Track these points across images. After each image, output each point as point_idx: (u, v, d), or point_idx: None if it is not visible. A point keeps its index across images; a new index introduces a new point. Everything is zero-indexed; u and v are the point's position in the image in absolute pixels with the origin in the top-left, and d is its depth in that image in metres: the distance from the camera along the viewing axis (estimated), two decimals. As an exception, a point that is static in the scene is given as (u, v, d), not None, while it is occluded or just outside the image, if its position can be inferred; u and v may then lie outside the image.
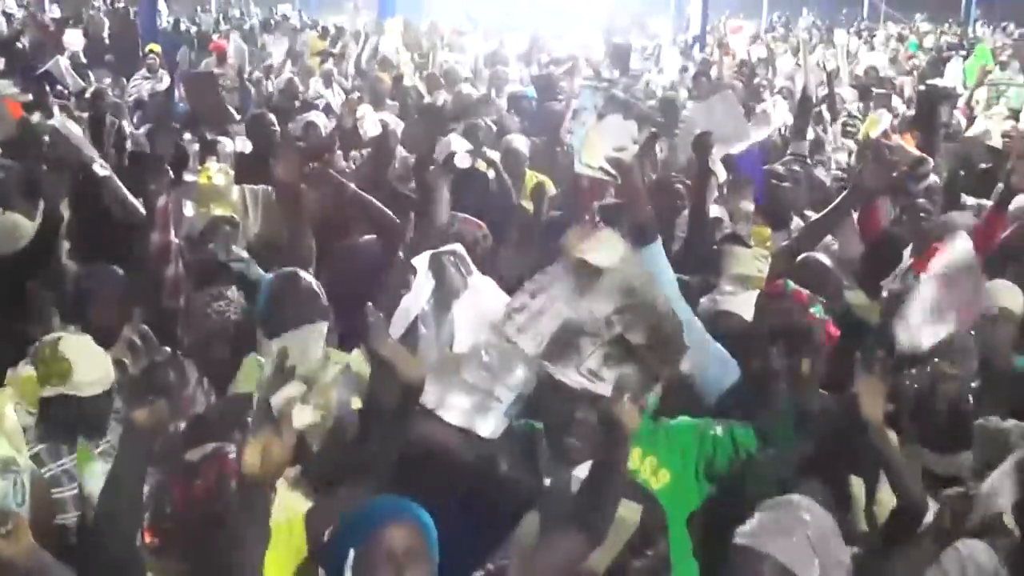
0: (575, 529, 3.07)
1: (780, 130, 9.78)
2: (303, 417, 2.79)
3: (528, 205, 7.39)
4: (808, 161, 8.52)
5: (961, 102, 12.47)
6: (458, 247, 3.77)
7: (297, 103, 11.55)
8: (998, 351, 4.91)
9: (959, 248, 4.31)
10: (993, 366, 4.84)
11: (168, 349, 3.46)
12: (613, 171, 5.24)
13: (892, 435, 3.67)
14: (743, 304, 4.71)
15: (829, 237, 5.87)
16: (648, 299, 3.30)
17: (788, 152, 8.69)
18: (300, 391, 2.68)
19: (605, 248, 3.34)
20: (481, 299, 3.60)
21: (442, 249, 3.75)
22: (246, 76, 13.07)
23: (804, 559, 3.08)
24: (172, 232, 5.42)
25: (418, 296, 3.61)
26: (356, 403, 3.45)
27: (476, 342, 3.48)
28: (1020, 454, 3.60)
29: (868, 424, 3.53)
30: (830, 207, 5.66)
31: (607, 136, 5.65)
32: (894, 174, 6.98)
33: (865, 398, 3.53)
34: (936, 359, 4.22)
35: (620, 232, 5.08)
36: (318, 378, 3.24)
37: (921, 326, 4.05)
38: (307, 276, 4.47)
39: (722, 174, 6.53)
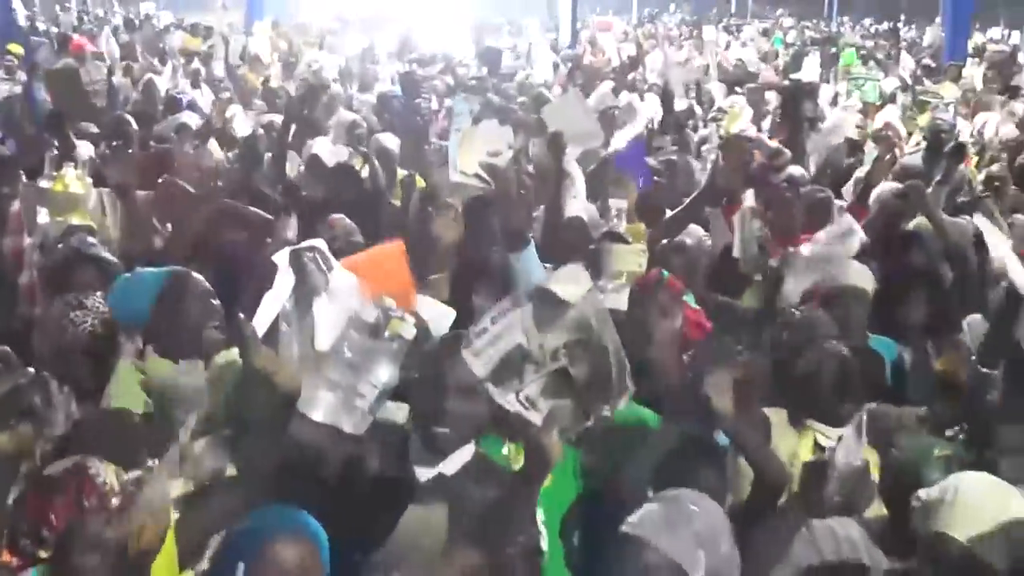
0: (479, 546, 3.08)
1: (652, 123, 9.91)
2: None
3: (399, 202, 7.35)
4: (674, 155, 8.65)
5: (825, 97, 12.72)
6: (319, 243, 3.71)
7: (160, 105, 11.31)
8: (852, 330, 5.00)
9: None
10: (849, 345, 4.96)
11: (31, 369, 3.31)
12: (488, 177, 5.24)
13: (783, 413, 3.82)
14: (625, 301, 4.74)
15: (705, 236, 5.95)
16: (601, 337, 3.34)
17: (654, 146, 8.82)
18: None
19: (573, 282, 3.38)
20: (342, 295, 3.55)
21: (302, 245, 3.69)
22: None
23: (690, 553, 3.11)
24: (25, 237, 5.25)
25: (279, 294, 3.55)
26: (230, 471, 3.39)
27: (338, 339, 3.44)
28: (858, 417, 3.68)
29: (718, 415, 3.61)
30: (688, 200, 5.76)
31: (482, 141, 5.65)
32: (752, 167, 7.12)
33: (714, 390, 3.59)
34: (821, 337, 4.35)
35: (490, 234, 5.13)
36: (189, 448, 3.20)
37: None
38: (198, 276, 4.38)
39: (578, 175, 6.53)
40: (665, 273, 4.46)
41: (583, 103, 7.27)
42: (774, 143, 8.29)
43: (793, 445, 4.13)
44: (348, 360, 3.39)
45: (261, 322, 3.45)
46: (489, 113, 5.94)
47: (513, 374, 3.28)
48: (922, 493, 3.30)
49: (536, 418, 3.23)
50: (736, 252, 5.53)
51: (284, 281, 3.56)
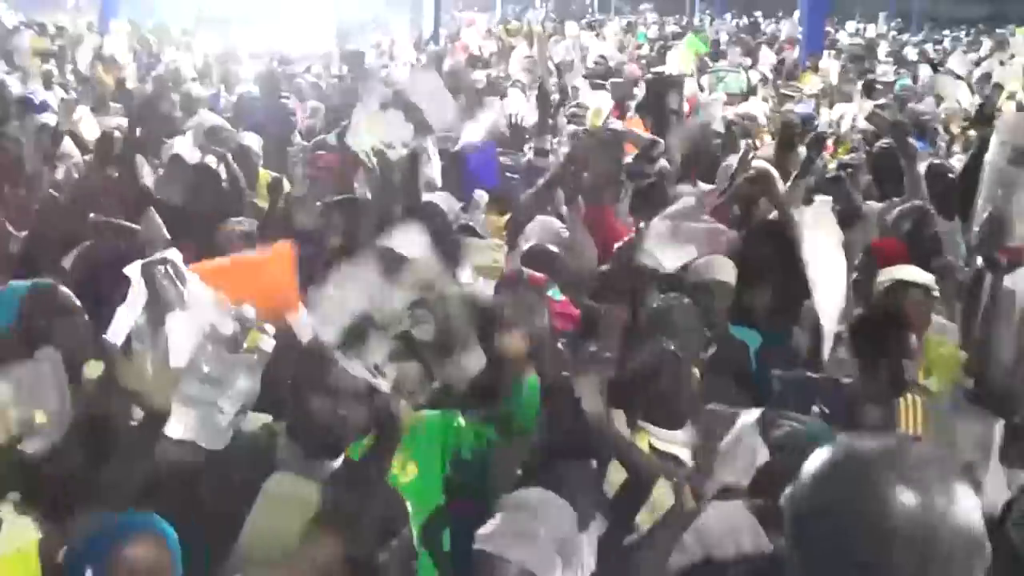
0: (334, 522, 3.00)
1: (513, 119, 9.92)
2: None
3: (262, 203, 7.26)
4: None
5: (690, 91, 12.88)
6: (171, 253, 3.59)
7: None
8: (715, 321, 5.05)
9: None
10: (712, 336, 5.06)
11: None
12: (376, 163, 5.22)
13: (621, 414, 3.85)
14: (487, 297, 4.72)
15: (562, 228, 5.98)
16: (443, 295, 3.36)
17: (530, 146, 8.82)
18: None
19: (411, 239, 3.40)
20: (198, 308, 3.45)
21: (153, 258, 3.57)
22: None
23: (547, 561, 3.12)
24: None
25: (131, 309, 3.45)
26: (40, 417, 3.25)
27: (195, 354, 3.34)
28: (746, 419, 3.71)
29: (589, 417, 3.61)
30: (540, 183, 5.80)
31: (382, 128, 5.62)
32: (617, 161, 7.18)
33: (583, 392, 3.59)
34: (658, 337, 4.35)
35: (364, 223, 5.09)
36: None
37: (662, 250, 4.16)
38: (65, 290, 4.17)
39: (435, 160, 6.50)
40: (525, 271, 4.45)
41: (440, 84, 7.22)
42: (647, 135, 8.36)
43: None
44: (206, 375, 3.31)
45: (114, 339, 3.36)
46: (398, 105, 5.88)
47: (360, 341, 3.26)
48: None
49: (384, 385, 3.21)
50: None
51: (136, 296, 3.46)
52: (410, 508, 3.56)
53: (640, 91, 11.94)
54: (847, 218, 6.29)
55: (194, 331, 3.38)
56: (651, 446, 4.12)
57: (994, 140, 5.57)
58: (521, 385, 3.96)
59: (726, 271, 5.35)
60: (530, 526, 3.17)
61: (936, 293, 5.04)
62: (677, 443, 4.12)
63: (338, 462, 3.42)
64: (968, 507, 1.79)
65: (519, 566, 3.10)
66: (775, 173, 6.32)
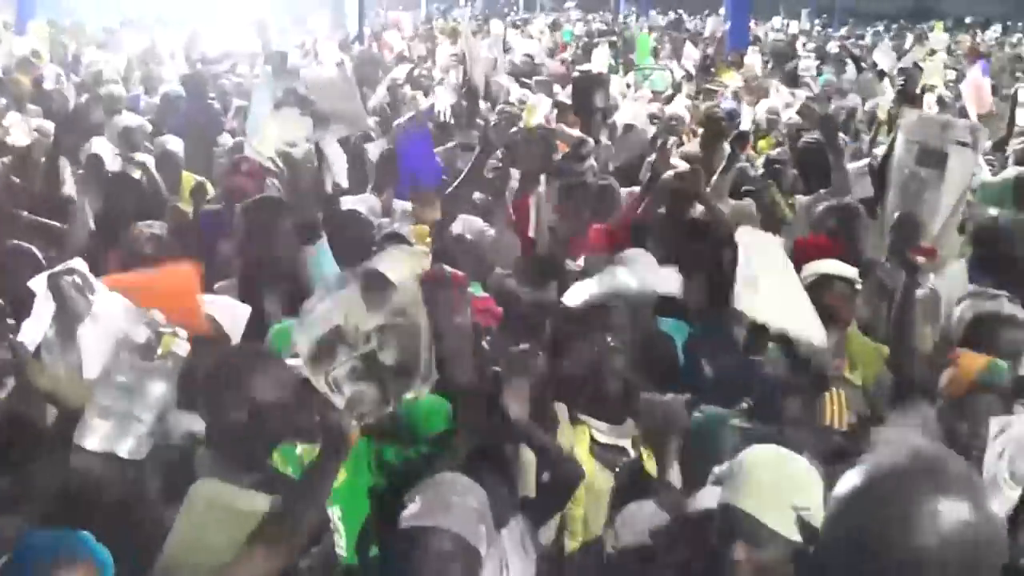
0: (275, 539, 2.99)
1: (443, 116, 9.89)
2: None
3: (186, 207, 7.17)
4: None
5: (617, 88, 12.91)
6: (77, 263, 3.53)
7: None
8: (640, 316, 5.08)
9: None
10: (638, 330, 5.03)
11: None
12: (282, 165, 5.15)
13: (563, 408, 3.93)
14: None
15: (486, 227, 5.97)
16: (413, 322, 3.32)
17: (455, 141, 8.80)
18: None
19: (401, 263, 3.37)
20: (108, 318, 3.39)
21: (59, 268, 3.50)
22: None
23: (473, 526, 3.16)
24: None
25: (39, 322, 3.38)
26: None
27: (108, 364, 3.28)
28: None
29: (515, 424, 3.64)
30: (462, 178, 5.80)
31: (281, 128, 5.54)
32: (548, 158, 7.19)
33: (510, 399, 3.61)
34: (598, 334, 4.35)
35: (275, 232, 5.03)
36: None
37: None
38: None
39: (337, 156, 6.44)
40: (448, 269, 4.44)
41: (352, 86, 7.16)
42: (576, 132, 8.36)
43: (571, 440, 4.16)
44: (120, 384, 3.26)
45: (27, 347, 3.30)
46: (292, 101, 5.81)
47: (327, 355, 3.23)
48: (716, 469, 3.35)
49: (339, 401, 3.19)
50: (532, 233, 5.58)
51: (43, 308, 3.39)
52: (339, 513, 3.57)
53: (561, 89, 12.00)
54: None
55: (106, 341, 3.31)
56: (593, 439, 4.15)
57: (900, 140, 5.66)
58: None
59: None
60: (452, 498, 3.20)
61: (859, 287, 5.09)
62: (620, 436, 4.17)
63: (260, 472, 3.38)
64: (997, 519, 1.80)
65: (451, 532, 3.11)
66: (701, 171, 6.36)
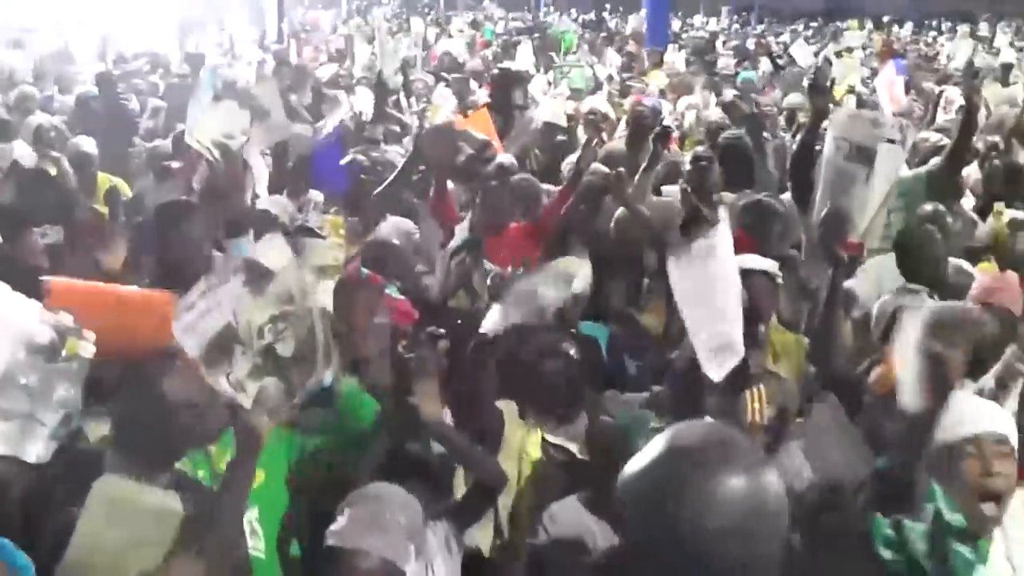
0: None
1: (360, 116, 9.85)
2: None
3: (102, 208, 7.08)
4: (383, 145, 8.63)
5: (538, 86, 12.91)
6: None
7: None
8: (567, 319, 5.06)
9: None
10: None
11: None
12: (218, 156, 5.13)
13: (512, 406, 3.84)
14: (327, 295, 4.64)
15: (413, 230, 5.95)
16: (305, 308, 3.26)
17: (364, 136, 8.78)
18: None
19: (275, 252, 3.31)
20: (10, 319, 3.29)
21: None
22: None
23: (401, 548, 3.12)
24: None
25: None
26: None
27: (10, 365, 3.19)
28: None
29: (428, 424, 3.62)
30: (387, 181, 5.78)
31: (219, 120, 5.51)
32: (459, 158, 7.17)
33: (422, 399, 3.58)
34: (544, 336, 4.39)
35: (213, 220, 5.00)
36: None
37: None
38: None
39: (259, 165, 6.39)
40: (364, 270, 4.42)
41: (276, 93, 7.12)
42: (480, 134, 8.33)
43: (522, 439, 4.16)
44: (23, 386, 3.17)
45: None
46: (231, 94, 5.78)
47: (223, 355, 3.18)
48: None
49: (245, 401, 3.15)
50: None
51: None
52: (256, 513, 3.52)
53: (477, 86, 12.00)
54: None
55: (8, 342, 3.22)
56: (543, 439, 4.15)
57: (829, 137, 5.70)
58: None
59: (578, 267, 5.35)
60: (381, 516, 3.16)
61: (780, 281, 5.11)
62: (568, 437, 4.18)
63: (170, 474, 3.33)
64: (779, 488, 1.82)
65: (377, 555, 3.08)
66: (624, 173, 6.34)
